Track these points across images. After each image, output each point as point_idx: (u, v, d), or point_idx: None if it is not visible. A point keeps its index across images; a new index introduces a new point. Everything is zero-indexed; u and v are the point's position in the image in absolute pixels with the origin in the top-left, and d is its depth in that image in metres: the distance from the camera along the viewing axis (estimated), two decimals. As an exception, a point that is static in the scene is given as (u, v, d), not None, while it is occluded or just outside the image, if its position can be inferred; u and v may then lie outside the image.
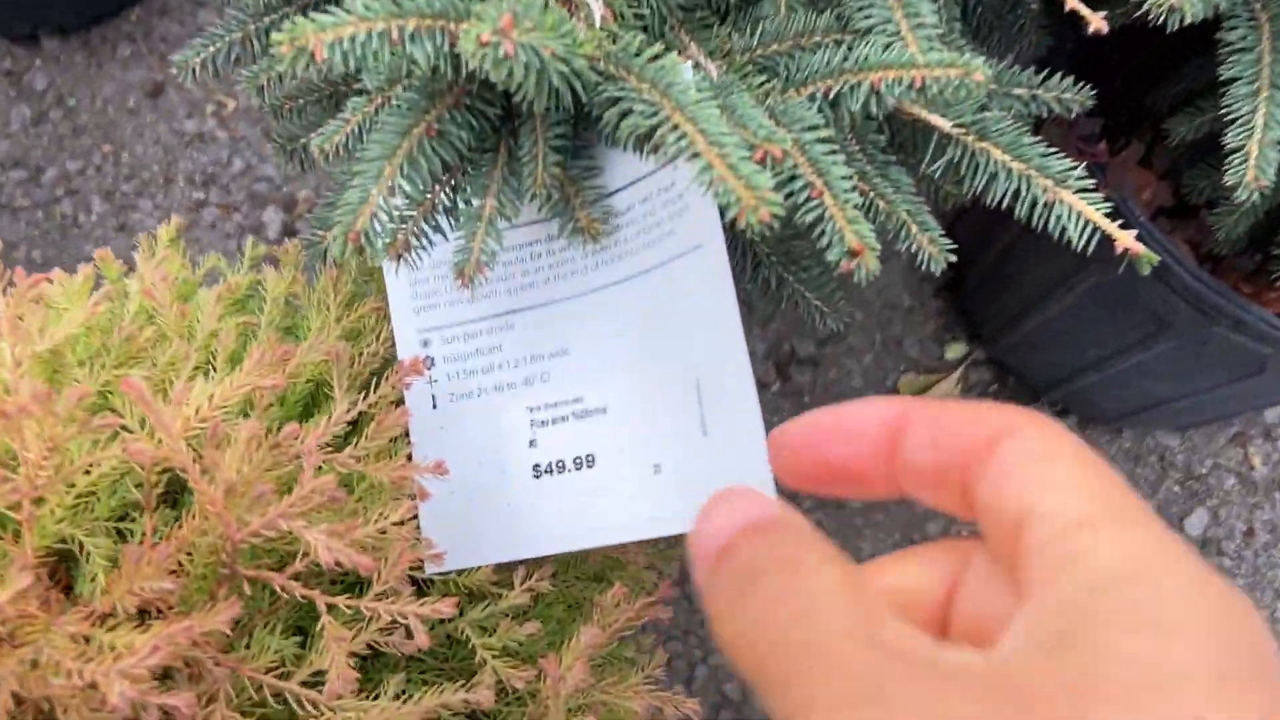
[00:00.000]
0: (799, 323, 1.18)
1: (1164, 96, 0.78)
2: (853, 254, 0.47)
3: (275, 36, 0.44)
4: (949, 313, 1.20)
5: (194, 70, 0.64)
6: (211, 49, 0.64)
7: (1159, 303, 0.82)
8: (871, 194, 0.56)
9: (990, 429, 0.24)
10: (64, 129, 1.27)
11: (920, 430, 0.26)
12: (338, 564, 0.45)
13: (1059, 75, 0.64)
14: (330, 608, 0.49)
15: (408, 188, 0.50)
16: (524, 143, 0.52)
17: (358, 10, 0.45)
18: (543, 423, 0.56)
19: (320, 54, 0.44)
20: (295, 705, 0.51)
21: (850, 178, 0.49)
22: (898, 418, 0.26)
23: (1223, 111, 0.62)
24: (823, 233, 0.48)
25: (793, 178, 0.49)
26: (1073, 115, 0.65)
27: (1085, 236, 0.55)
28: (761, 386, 1.17)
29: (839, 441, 0.27)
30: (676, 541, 0.72)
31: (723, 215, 0.48)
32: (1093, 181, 0.55)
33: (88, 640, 0.45)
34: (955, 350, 1.18)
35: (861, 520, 1.15)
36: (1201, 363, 0.89)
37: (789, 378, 1.18)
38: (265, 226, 1.24)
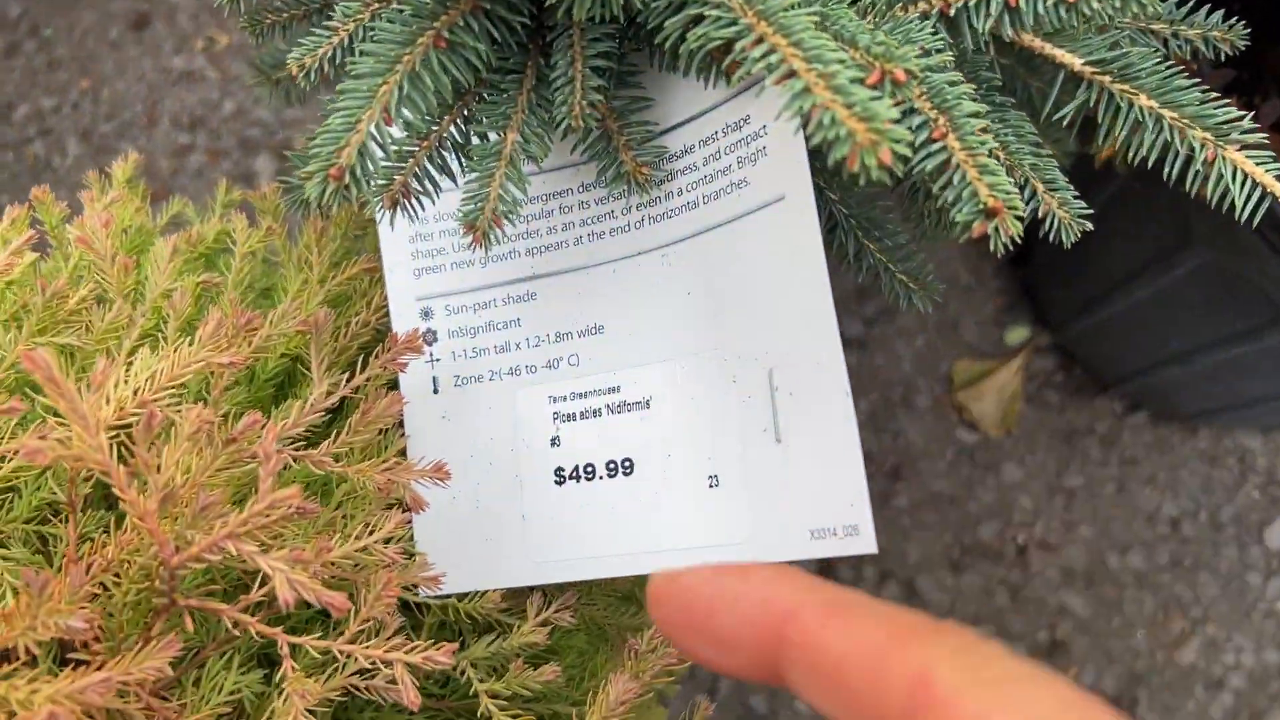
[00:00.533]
0: (844, 299, 1.07)
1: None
2: (989, 213, 0.36)
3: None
4: (1011, 292, 1.08)
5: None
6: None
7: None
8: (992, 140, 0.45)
9: (903, 678, 0.18)
10: (38, 62, 1.16)
11: (804, 662, 0.19)
12: (303, 602, 0.34)
13: (1205, 8, 0.53)
14: (295, 649, 0.38)
15: (409, 115, 0.39)
16: (558, 62, 0.41)
17: None
18: (569, 416, 0.46)
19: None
20: (251, 765, 0.41)
21: (982, 115, 0.38)
22: (776, 636, 0.20)
23: None
24: (948, 184, 0.37)
25: (907, 113, 0.38)
26: (1219, 58, 0.54)
27: (1253, 204, 0.44)
28: (800, 368, 1.06)
29: (713, 645, 0.21)
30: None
31: (820, 156, 0.37)
32: (1264, 136, 0.44)
33: (-25, 690, 0.35)
34: (1016, 334, 1.07)
35: (909, 521, 1.04)
36: (1318, 359, 0.78)
37: (830, 359, 1.07)
38: (257, 175, 1.13)
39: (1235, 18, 0.54)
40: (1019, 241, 0.36)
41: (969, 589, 1.03)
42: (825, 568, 1.02)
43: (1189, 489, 1.06)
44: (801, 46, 0.33)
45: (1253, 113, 0.70)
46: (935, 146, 0.37)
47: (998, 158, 0.45)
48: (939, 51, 0.40)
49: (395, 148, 0.41)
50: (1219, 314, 0.79)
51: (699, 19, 0.36)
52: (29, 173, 1.13)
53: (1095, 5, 0.38)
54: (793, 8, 0.35)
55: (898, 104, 0.35)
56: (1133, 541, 1.05)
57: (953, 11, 0.41)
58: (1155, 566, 1.04)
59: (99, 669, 0.37)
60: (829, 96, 0.32)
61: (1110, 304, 0.92)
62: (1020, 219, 0.37)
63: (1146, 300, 0.86)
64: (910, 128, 0.37)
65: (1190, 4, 0.53)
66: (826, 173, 0.51)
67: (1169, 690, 1.02)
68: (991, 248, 0.36)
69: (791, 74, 0.33)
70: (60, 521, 0.43)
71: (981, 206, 0.36)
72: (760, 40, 0.34)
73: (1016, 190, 0.36)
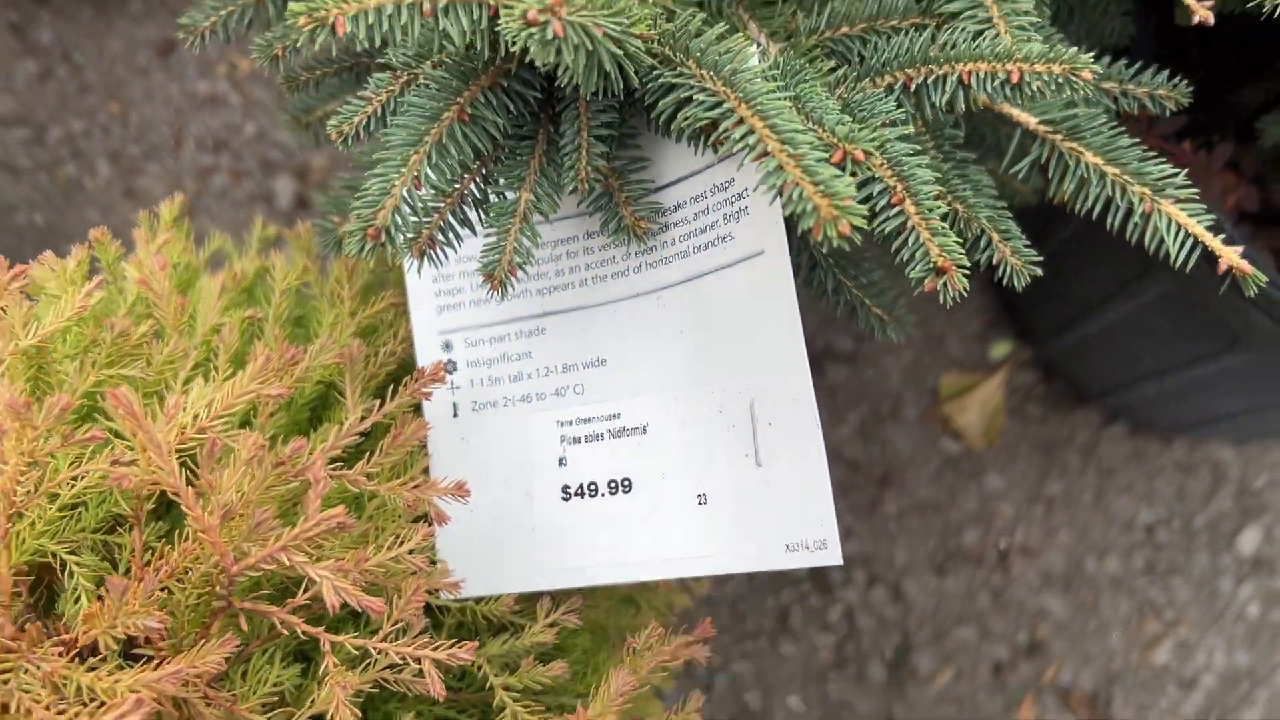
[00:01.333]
0: (836, 316, 1.12)
1: (1255, 93, 0.72)
2: (939, 271, 0.41)
3: (293, 7, 0.38)
4: (995, 309, 1.14)
5: (203, 35, 0.58)
6: (223, 11, 0.59)
7: (1234, 315, 0.76)
8: (949, 197, 0.50)
9: None
10: (70, 86, 1.22)
11: None
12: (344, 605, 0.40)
13: (1152, 68, 0.58)
14: (335, 646, 0.44)
15: (434, 177, 0.45)
16: (566, 130, 0.47)
17: (384, -23, 0.39)
18: (574, 440, 0.51)
19: (342, 28, 0.38)
20: (295, 748, 0.47)
21: (935, 182, 0.43)
22: None
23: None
24: (904, 244, 0.42)
25: (869, 180, 0.43)
26: (1165, 112, 0.59)
27: (1185, 251, 0.49)
28: (793, 381, 1.12)
29: None
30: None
31: (793, 225, 0.43)
32: (1195, 190, 0.50)
33: (65, 681, 0.40)
34: (1000, 349, 1.12)
35: (895, 526, 1.10)
36: (1276, 378, 0.83)
37: (823, 373, 1.12)
38: (277, 196, 1.19)
39: (1187, 70, 0.60)
40: (966, 294, 0.42)
41: (953, 592, 1.08)
42: (817, 571, 1.08)
43: (1164, 497, 1.11)
44: (776, 130, 0.39)
45: (1207, 153, 0.75)
46: (894, 211, 0.42)
47: (956, 210, 0.51)
48: (903, 122, 0.46)
49: (422, 204, 0.46)
50: (1183, 337, 0.85)
51: (687, 101, 0.42)
52: (61, 193, 1.18)
53: (1035, 86, 0.44)
54: (773, 91, 0.41)
55: (854, 176, 0.40)
56: (1109, 547, 1.10)
57: (914, 86, 0.46)
58: (1131, 571, 1.10)
59: (163, 663, 0.42)
60: (798, 174, 0.38)
61: (1086, 324, 0.97)
62: (968, 275, 0.42)
63: (1118, 322, 0.91)
64: (872, 193, 0.43)
65: (1138, 65, 0.58)
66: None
67: (1143, 689, 1.07)
68: (940, 300, 0.42)
69: (766, 153, 0.38)
70: (125, 531, 0.49)
71: (932, 265, 0.41)
72: (741, 121, 0.40)
73: (964, 251, 0.42)
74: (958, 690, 1.07)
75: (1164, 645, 1.08)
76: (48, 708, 0.39)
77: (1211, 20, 0.50)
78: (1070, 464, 1.11)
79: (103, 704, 0.39)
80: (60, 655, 0.42)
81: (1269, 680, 1.07)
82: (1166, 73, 0.58)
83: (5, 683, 0.40)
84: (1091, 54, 0.59)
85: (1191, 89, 0.58)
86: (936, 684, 1.07)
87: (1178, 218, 0.49)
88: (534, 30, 0.36)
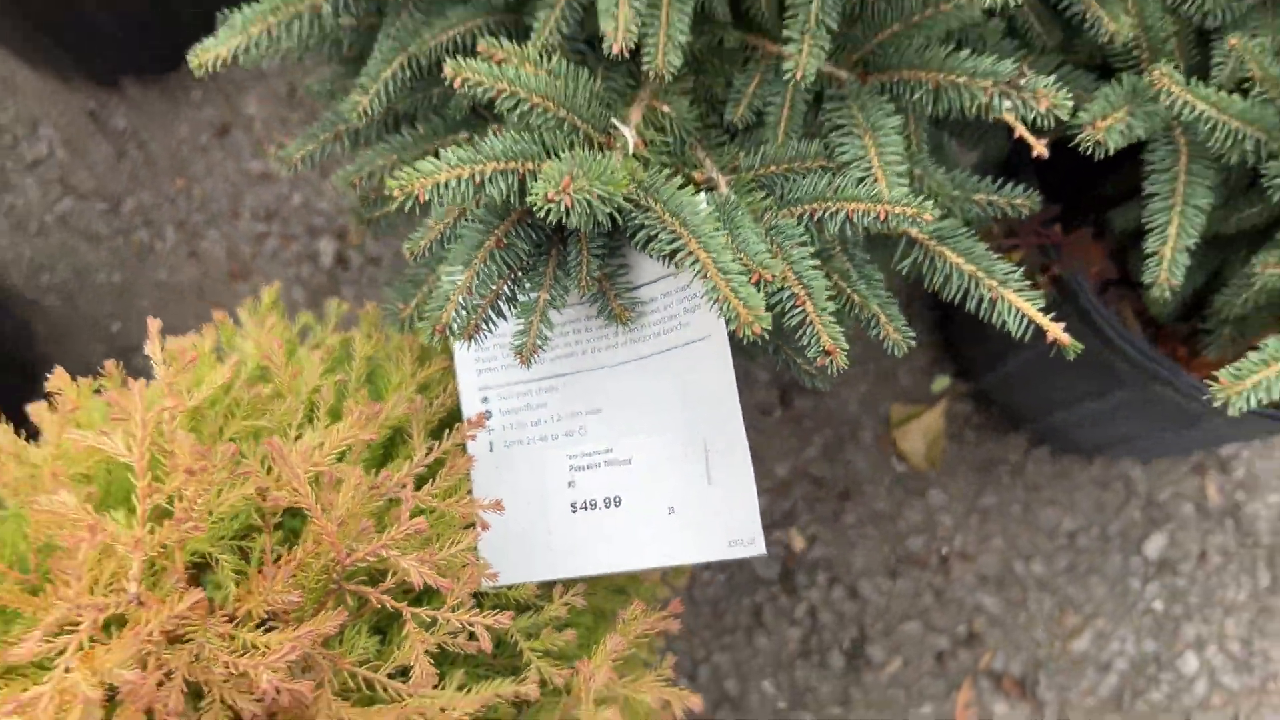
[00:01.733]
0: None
1: (1112, 187, 0.91)
2: (827, 353, 0.60)
3: (389, 183, 0.57)
4: (937, 347, 1.33)
5: (296, 165, 0.78)
6: (309, 146, 0.78)
7: (1108, 361, 0.94)
8: (849, 290, 0.69)
9: None
10: (141, 164, 1.41)
11: None
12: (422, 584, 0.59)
13: (1012, 184, 0.77)
14: (414, 616, 0.63)
15: (478, 284, 0.64)
16: (571, 250, 0.66)
17: (448, 159, 0.58)
18: (579, 468, 0.70)
19: (423, 197, 0.57)
20: (381, 692, 0.65)
21: (830, 289, 0.62)
22: None
23: (1144, 222, 0.74)
24: (804, 334, 0.61)
25: (782, 287, 0.62)
26: (1022, 216, 0.78)
27: (1023, 328, 0.68)
28: (764, 412, 1.31)
29: None
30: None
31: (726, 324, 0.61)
32: (1028, 282, 0.68)
33: (232, 639, 0.59)
34: (941, 383, 1.31)
35: (854, 534, 1.29)
36: (1149, 412, 1.02)
37: (790, 404, 1.31)
38: (320, 255, 1.38)
39: (1060, 171, 0.78)
40: (842, 369, 0.61)
41: (901, 591, 1.27)
42: (786, 574, 1.27)
43: (1083, 509, 1.30)
44: (715, 261, 0.58)
45: (1076, 233, 0.94)
46: (797, 310, 0.61)
47: (854, 299, 0.70)
48: (810, 243, 0.65)
49: (470, 304, 0.65)
50: (1077, 376, 1.04)
51: (656, 235, 0.61)
52: (135, 256, 1.38)
53: (896, 223, 0.62)
54: (715, 230, 0.60)
55: (769, 284, 0.59)
56: (1036, 552, 1.29)
57: (817, 217, 0.65)
58: (1054, 572, 1.28)
59: (294, 629, 0.61)
60: (728, 292, 0.57)
61: (1009, 361, 1.16)
62: (847, 353, 0.61)
63: (1030, 362, 1.10)
64: (783, 298, 0.62)
65: (1002, 179, 0.77)
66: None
67: (1065, 673, 1.25)
68: (829, 371, 0.61)
69: (707, 276, 0.58)
70: (256, 536, 0.67)
71: (823, 348, 0.60)
72: (691, 253, 0.59)
73: (844, 337, 0.61)
74: (905, 676, 1.25)
75: (1083, 636, 1.26)
76: (228, 654, 0.57)
77: (1046, 155, 0.69)
78: (1002, 481, 1.30)
79: (263, 653, 0.58)
80: (226, 622, 0.61)
81: (1171, 665, 1.25)
82: (1024, 186, 0.77)
83: (194, 640, 0.59)
84: (964, 169, 0.78)
85: (1055, 184, 0.77)
86: (887, 670, 1.25)
87: (1016, 303, 0.67)
88: (551, 204, 0.55)
